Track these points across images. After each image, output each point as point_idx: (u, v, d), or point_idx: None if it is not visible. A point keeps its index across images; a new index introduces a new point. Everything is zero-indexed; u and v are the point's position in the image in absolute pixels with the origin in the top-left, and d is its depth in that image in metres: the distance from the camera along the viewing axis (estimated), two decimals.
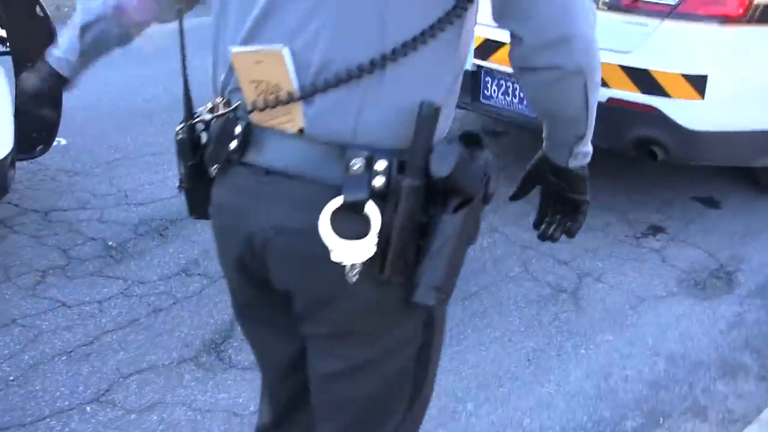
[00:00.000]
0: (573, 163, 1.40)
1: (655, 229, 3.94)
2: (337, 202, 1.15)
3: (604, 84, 3.65)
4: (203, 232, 3.68)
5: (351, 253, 1.15)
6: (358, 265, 1.16)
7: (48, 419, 2.54)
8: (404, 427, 1.38)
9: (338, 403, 1.37)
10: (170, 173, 4.28)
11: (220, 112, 1.28)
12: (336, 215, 1.15)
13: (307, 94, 1.16)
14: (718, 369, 2.92)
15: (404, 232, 1.15)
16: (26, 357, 2.84)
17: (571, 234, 1.50)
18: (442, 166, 1.14)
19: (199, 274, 3.38)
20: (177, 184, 1.47)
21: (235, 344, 2.95)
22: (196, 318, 3.09)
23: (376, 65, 1.14)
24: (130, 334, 2.98)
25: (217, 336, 2.99)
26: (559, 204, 1.49)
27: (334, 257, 1.15)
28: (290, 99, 1.17)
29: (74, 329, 2.99)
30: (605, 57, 3.56)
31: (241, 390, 2.71)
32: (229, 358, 2.87)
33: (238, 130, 1.24)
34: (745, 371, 2.92)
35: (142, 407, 2.61)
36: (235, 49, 1.21)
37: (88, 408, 2.60)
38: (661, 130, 3.61)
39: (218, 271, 3.22)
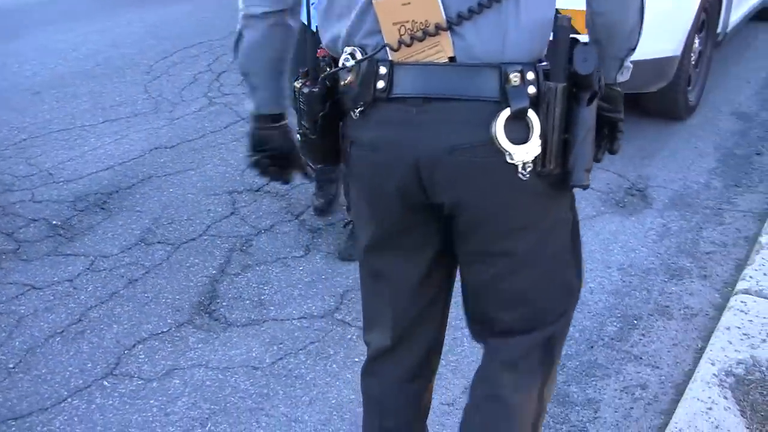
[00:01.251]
0: (620, 78, 1.56)
1: None
2: (506, 113, 1.31)
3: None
4: (145, 201, 3.66)
5: (523, 154, 1.33)
6: (529, 163, 1.34)
7: (70, 399, 2.52)
8: (573, 305, 1.63)
9: (514, 296, 1.54)
10: (86, 147, 4.18)
11: (359, 57, 1.37)
12: (504, 125, 1.32)
13: (455, 24, 1.30)
14: (664, 273, 3.25)
15: (559, 128, 1.34)
16: (17, 343, 2.77)
17: (614, 152, 1.61)
18: (587, 65, 1.32)
19: (159, 242, 3.37)
20: (299, 137, 1.53)
21: (224, 303, 2.99)
22: (175, 283, 3.10)
23: None
24: (115, 307, 2.96)
25: (203, 298, 3.02)
26: (599, 126, 1.59)
27: (512, 160, 1.33)
28: (438, 31, 1.31)
29: (55, 309, 2.94)
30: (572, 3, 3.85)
31: (250, 345, 2.77)
32: (223, 317, 2.92)
33: (383, 70, 1.35)
34: (688, 273, 3.28)
35: (160, 374, 2.63)
36: None
37: (105, 383, 2.59)
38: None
39: (177, 236, 3.27)
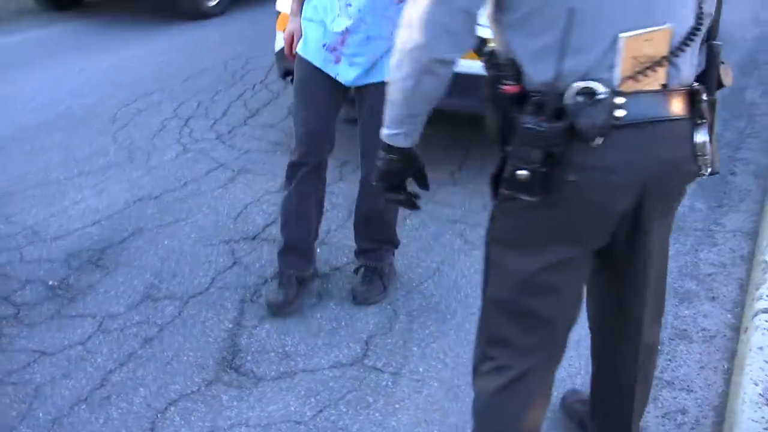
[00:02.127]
0: None
1: None
2: (704, 127, 1.69)
3: None
4: (141, 255, 3.56)
5: (711, 152, 1.72)
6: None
7: None
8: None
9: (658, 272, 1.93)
10: (66, 202, 4.04)
11: (600, 91, 1.54)
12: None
13: (674, 56, 1.60)
14: (674, 297, 3.31)
15: (714, 129, 1.74)
16: (40, 414, 2.64)
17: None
18: (729, 79, 1.77)
19: (166, 297, 3.27)
20: (521, 173, 1.59)
21: (249, 357, 2.92)
22: (193, 340, 3.01)
23: (700, 28, 1.64)
24: (137, 368, 2.85)
25: (225, 353, 2.94)
26: None
27: (702, 165, 1.73)
28: (663, 62, 1.58)
29: (73, 375, 2.81)
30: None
31: (286, 399, 2.71)
32: (251, 372, 2.84)
33: (620, 100, 1.55)
34: (696, 295, 3.34)
35: None
36: (625, 34, 1.54)
37: None
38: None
39: (183, 290, 3.21)
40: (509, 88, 1.59)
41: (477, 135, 4.88)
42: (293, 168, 3.07)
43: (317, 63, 2.94)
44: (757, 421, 2.37)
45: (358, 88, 2.96)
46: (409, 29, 1.59)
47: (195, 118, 5.20)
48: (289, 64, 4.45)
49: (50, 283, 3.36)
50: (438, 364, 2.89)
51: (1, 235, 3.73)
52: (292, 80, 4.50)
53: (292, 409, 2.67)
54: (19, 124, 4.96)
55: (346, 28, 2.83)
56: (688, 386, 2.80)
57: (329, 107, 2.99)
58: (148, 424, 2.59)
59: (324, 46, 2.91)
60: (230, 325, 3.09)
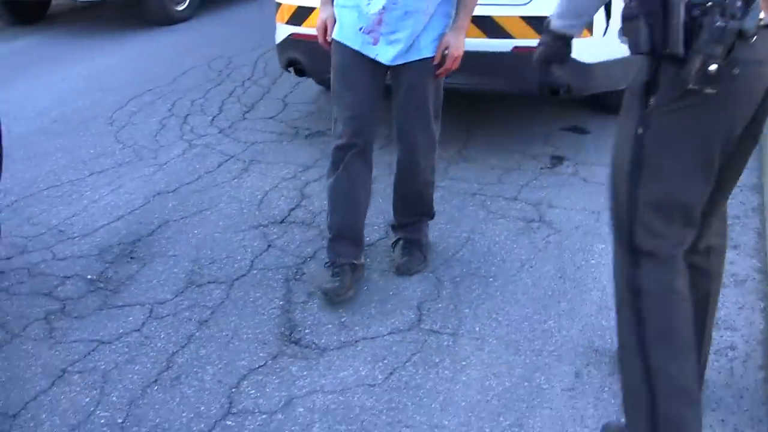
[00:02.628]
0: None
1: (557, 159, 4.41)
2: None
3: (508, 35, 4.04)
4: (174, 245, 3.58)
5: None
6: None
7: None
8: None
9: None
10: (85, 201, 4.04)
11: None
12: None
13: None
14: None
15: None
16: (114, 398, 2.66)
17: None
18: None
19: (210, 282, 3.30)
20: (713, 69, 1.81)
21: (307, 331, 2.96)
22: (248, 318, 3.04)
23: None
24: (199, 349, 2.88)
25: (283, 329, 2.98)
26: None
27: None
28: None
29: (137, 360, 2.83)
30: (506, 11, 3.98)
31: (355, 365, 2.76)
32: (314, 344, 2.89)
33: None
34: None
35: (281, 405, 2.58)
36: None
37: (229, 422, 2.52)
38: (564, 68, 4.06)
39: (226, 274, 3.27)
40: None
41: (477, 114, 4.98)
42: (341, 150, 3.07)
43: (356, 46, 2.98)
44: None
45: (395, 68, 3.00)
46: None
47: (192, 115, 5.21)
48: (292, 54, 4.52)
49: (89, 277, 3.35)
50: (492, 323, 2.97)
51: (28, 236, 3.70)
52: (295, 71, 4.59)
53: (363, 373, 2.72)
54: (15, 132, 4.92)
55: (383, 6, 2.88)
56: (731, 325, 2.92)
57: (373, 88, 3.03)
58: (224, 398, 2.62)
59: (361, 29, 2.95)
60: (281, 302, 3.13)
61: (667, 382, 2.04)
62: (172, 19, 7.79)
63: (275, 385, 2.68)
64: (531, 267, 3.34)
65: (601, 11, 4.02)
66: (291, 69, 4.63)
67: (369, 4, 2.90)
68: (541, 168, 4.29)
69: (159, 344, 2.91)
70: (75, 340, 2.95)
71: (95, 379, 2.74)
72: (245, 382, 2.70)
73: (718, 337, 2.85)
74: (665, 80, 1.95)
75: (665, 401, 2.03)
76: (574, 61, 3.97)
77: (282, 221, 3.78)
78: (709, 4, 1.80)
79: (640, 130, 2.01)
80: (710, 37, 1.80)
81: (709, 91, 1.85)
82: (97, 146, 4.75)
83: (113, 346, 2.91)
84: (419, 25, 2.90)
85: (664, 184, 2.02)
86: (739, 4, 1.79)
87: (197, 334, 2.96)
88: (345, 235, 3.15)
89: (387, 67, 3.01)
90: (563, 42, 2.27)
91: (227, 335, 2.95)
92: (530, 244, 3.51)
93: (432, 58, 2.96)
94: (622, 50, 4.37)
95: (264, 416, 2.54)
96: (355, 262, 3.17)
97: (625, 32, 2.01)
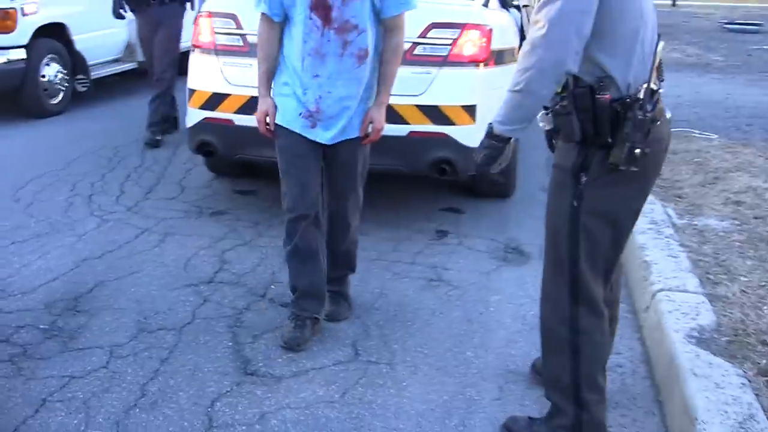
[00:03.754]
0: None
1: (442, 232, 5.06)
2: None
3: (405, 121, 4.70)
4: (115, 299, 3.89)
5: None
6: None
7: None
8: None
9: None
10: (16, 266, 4.25)
11: (657, 89, 2.49)
12: None
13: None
14: None
15: None
16: (101, 419, 2.95)
17: None
18: None
19: (160, 329, 3.63)
20: (638, 153, 2.41)
21: (260, 365, 3.37)
22: (204, 355, 3.41)
23: None
24: (167, 379, 3.22)
25: (238, 363, 3.37)
26: None
27: None
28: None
29: (112, 390, 3.13)
30: (403, 100, 4.66)
31: (312, 388, 3.19)
32: (269, 374, 3.30)
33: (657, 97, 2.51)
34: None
35: (255, 420, 2.97)
36: (659, 48, 2.38)
37: None
38: (450, 150, 4.76)
39: (173, 322, 3.66)
40: (607, 96, 2.39)
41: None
42: (294, 222, 3.50)
43: (296, 129, 3.44)
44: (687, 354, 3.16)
45: (332, 145, 3.50)
46: (546, 50, 2.34)
47: (96, 195, 5.49)
48: (205, 136, 4.99)
49: (42, 326, 3.61)
50: (420, 354, 3.49)
51: None
52: (204, 153, 5.05)
53: (320, 393, 3.16)
54: None
55: (319, 95, 3.38)
56: (617, 351, 3.55)
57: (314, 165, 3.51)
58: (203, 416, 2.98)
59: (300, 114, 3.43)
60: (230, 344, 3.52)
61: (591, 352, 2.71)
62: (46, 112, 7.99)
63: (246, 405, 3.06)
64: (441, 313, 3.90)
65: (482, 99, 4.76)
66: (201, 153, 5.10)
67: (305, 93, 3.39)
68: (430, 239, 4.91)
69: (128, 377, 3.23)
70: (46, 376, 3.21)
71: (77, 406, 3.02)
72: (218, 404, 3.07)
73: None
74: (595, 162, 2.49)
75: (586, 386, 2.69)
76: (461, 144, 4.73)
77: (210, 281, 4.17)
78: (628, 100, 2.40)
79: (575, 203, 2.55)
80: (634, 127, 2.38)
81: (633, 169, 2.43)
82: (11, 219, 4.95)
83: (85, 380, 3.19)
84: (351, 109, 3.43)
85: (597, 247, 2.59)
86: (649, 98, 2.40)
87: (161, 368, 3.30)
88: (309, 294, 3.58)
89: (324, 144, 3.50)
90: (504, 143, 2.57)
91: (190, 369, 3.30)
92: (435, 297, 4.08)
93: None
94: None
95: (244, 427, 2.92)
96: (317, 316, 3.59)
97: (559, 126, 2.55)
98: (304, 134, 3.45)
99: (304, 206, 3.49)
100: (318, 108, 3.40)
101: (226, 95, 4.86)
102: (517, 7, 5.28)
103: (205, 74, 5.01)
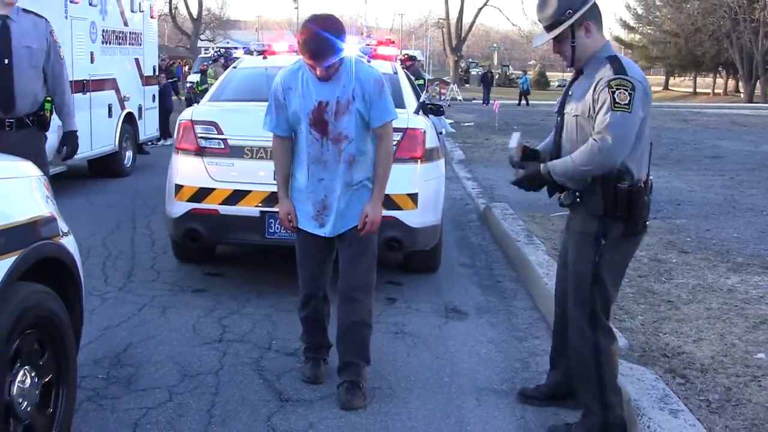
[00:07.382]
0: None
1: (391, 299, 6.12)
2: None
3: None
4: (149, 355, 4.72)
5: None
6: None
7: None
8: None
9: None
10: None
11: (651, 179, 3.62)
12: None
13: None
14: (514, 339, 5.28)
15: None
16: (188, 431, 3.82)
17: None
18: None
19: (200, 374, 4.51)
20: (647, 224, 3.93)
21: (291, 393, 4.30)
22: (247, 390, 4.31)
23: None
24: (226, 406, 4.10)
25: (274, 393, 4.30)
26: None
27: None
28: None
29: (187, 414, 3.99)
30: None
31: (336, 410, 4.16)
32: (301, 398, 4.23)
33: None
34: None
35: (307, 427, 3.92)
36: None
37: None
38: (398, 231, 5.89)
39: (207, 369, 4.56)
40: (625, 184, 3.48)
41: None
42: (306, 298, 4.45)
43: (308, 229, 4.35)
44: None
45: (340, 234, 4.34)
46: (607, 159, 3.45)
47: (86, 279, 6.25)
48: (191, 225, 5.94)
49: (100, 376, 4.42)
50: (409, 380, 4.52)
51: None
52: (191, 239, 5.99)
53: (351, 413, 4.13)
54: None
55: (324, 195, 4.25)
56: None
57: (324, 255, 4.42)
58: (267, 426, 3.90)
59: (312, 216, 4.32)
60: (260, 381, 4.44)
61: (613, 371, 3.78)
62: None
63: (296, 418, 4.00)
64: (413, 355, 4.96)
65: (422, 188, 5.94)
66: (187, 238, 6.03)
67: (313, 195, 4.25)
68: (384, 305, 5.95)
69: (193, 407, 4.09)
70: (127, 408, 4.04)
71: (164, 426, 3.87)
72: (274, 419, 3.99)
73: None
74: (615, 230, 3.53)
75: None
76: (406, 225, 5.86)
77: (220, 340, 5.07)
78: (641, 185, 3.49)
79: (597, 258, 3.60)
80: (644, 206, 3.50)
81: (640, 236, 3.65)
82: None
83: (160, 410, 4.04)
84: (347, 205, 4.27)
85: (609, 289, 3.65)
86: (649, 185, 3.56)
87: (216, 400, 4.18)
88: (318, 345, 4.59)
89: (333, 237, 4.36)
90: (541, 180, 3.76)
91: (238, 399, 4.20)
92: (404, 345, 5.14)
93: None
94: (433, 218, 6.30)
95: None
96: (326, 358, 4.58)
97: (585, 202, 3.57)
98: (314, 233, 4.32)
99: (313, 288, 4.46)
100: (325, 205, 4.22)
101: (212, 189, 5.85)
102: (425, 81, 6.47)
103: (191, 172, 5.97)
